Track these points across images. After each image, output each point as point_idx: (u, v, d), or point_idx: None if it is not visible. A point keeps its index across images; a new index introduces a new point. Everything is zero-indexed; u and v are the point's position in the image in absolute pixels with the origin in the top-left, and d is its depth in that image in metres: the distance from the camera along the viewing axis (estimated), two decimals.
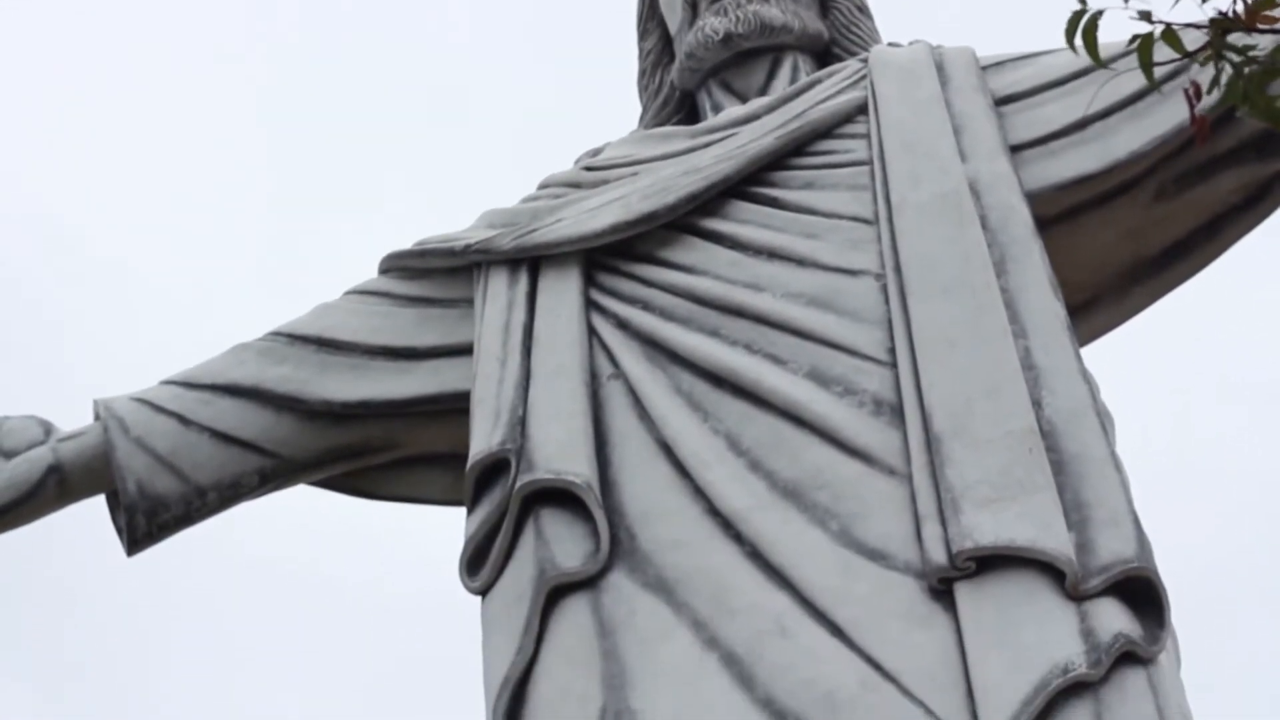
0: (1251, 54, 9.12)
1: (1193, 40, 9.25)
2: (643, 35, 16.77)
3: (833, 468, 12.85)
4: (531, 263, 14.74)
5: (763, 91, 15.56)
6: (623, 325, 14.13)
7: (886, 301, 13.48)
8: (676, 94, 16.25)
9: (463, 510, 13.88)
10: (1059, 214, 14.21)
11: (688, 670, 12.35)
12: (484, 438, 13.71)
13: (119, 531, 15.18)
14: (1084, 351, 13.56)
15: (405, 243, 15.60)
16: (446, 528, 14.67)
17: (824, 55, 16.03)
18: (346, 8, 38.75)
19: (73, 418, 15.34)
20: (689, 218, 14.54)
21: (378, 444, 15.27)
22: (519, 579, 13.09)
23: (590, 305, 14.33)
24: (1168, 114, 13.88)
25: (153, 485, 14.87)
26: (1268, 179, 14.52)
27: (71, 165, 38.37)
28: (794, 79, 15.60)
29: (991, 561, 12.14)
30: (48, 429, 15.13)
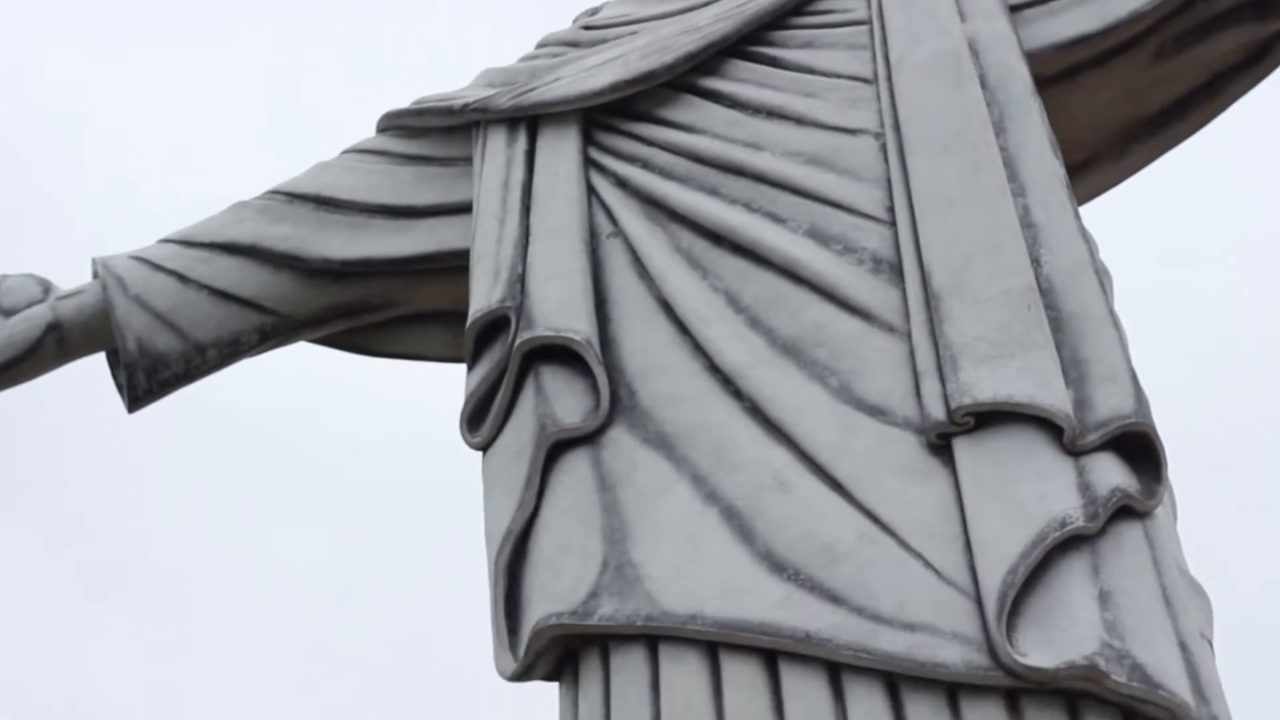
0: None
1: None
2: None
3: (832, 325, 12.90)
4: (530, 122, 14.73)
5: None
6: (621, 184, 14.14)
7: (885, 160, 13.50)
8: None
9: (463, 367, 13.95)
10: (1058, 73, 14.20)
11: (688, 524, 12.45)
12: (483, 295, 13.76)
13: (119, 389, 15.25)
14: (1083, 210, 13.60)
15: (404, 103, 15.57)
16: (447, 384, 14.75)
17: None
18: None
19: (70, 278, 15.38)
20: (688, 77, 14.53)
21: (377, 302, 15.31)
22: (519, 435, 13.18)
23: (589, 164, 14.34)
24: None
25: (152, 343, 14.93)
26: (1267, 38, 14.50)
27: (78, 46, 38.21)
28: None
29: (990, 417, 12.22)
30: (46, 287, 15.16)
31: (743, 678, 12.01)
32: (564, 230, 13.90)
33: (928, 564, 11.89)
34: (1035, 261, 12.75)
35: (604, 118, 14.56)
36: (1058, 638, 11.57)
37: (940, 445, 12.29)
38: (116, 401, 15.34)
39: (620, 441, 12.97)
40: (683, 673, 12.14)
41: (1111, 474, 12.09)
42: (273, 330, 15.25)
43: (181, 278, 15.05)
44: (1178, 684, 11.64)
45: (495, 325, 13.65)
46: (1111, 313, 12.72)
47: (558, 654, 12.78)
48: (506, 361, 13.42)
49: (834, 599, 11.91)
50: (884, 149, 13.55)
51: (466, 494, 13.77)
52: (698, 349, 13.13)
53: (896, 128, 13.53)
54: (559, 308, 13.43)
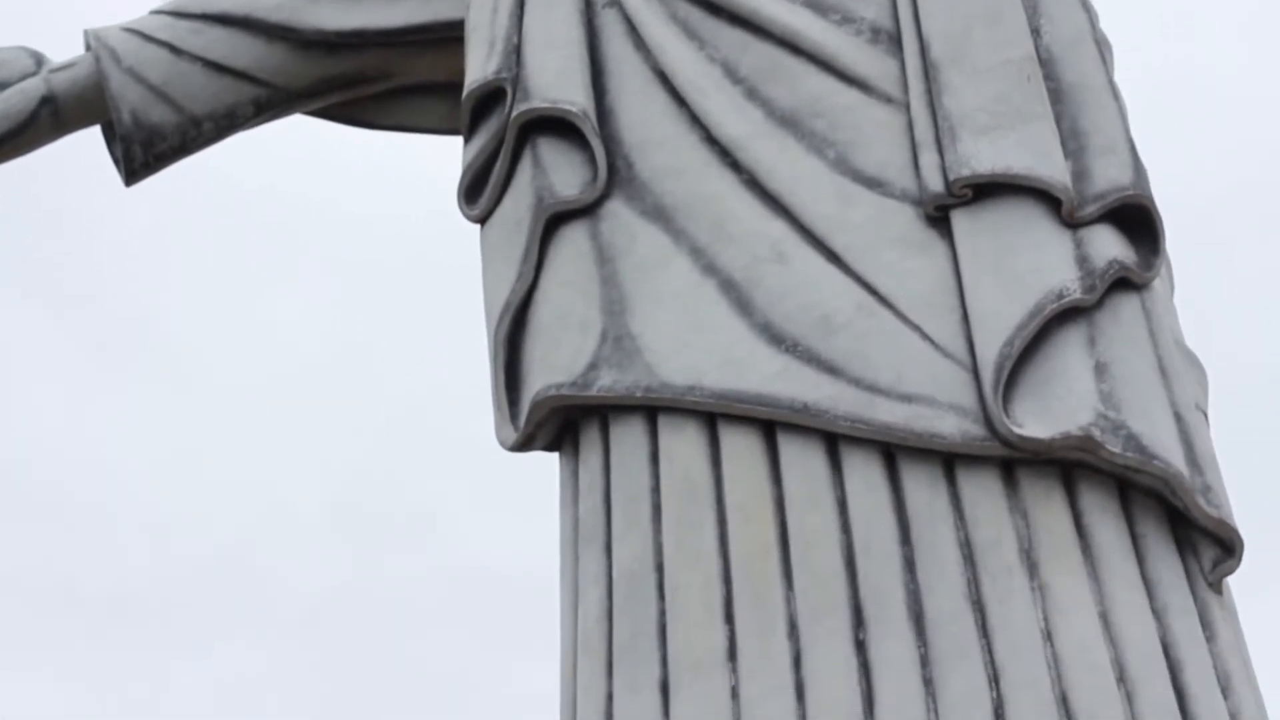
0: None
1: None
2: None
3: (830, 96, 12.81)
4: None
5: None
6: None
7: None
8: None
9: (460, 139, 13.87)
10: None
11: (686, 296, 12.46)
12: (479, 67, 13.64)
13: (116, 163, 15.19)
14: None
15: None
16: (449, 157, 14.68)
17: None
18: None
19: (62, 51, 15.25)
20: None
21: (372, 73, 15.18)
22: (518, 206, 13.15)
23: None
24: None
25: (147, 116, 14.83)
26: None
27: None
28: None
29: (988, 189, 12.20)
30: (39, 59, 15.03)
31: (741, 448, 12.09)
32: (559, 0, 13.74)
33: (925, 335, 11.93)
34: (1035, 31, 12.65)
35: None
36: (1054, 408, 11.64)
37: (938, 217, 12.27)
38: (115, 177, 15.28)
39: (619, 214, 12.94)
40: (681, 443, 12.22)
41: (1109, 246, 12.09)
42: (268, 102, 15.14)
43: (174, 49, 14.91)
44: (1172, 454, 11.73)
45: (492, 97, 13.54)
46: (1111, 83, 12.64)
47: (557, 425, 12.87)
48: (503, 133, 13.34)
49: (832, 370, 11.95)
50: None
51: (468, 268, 13.78)
52: (695, 120, 13.04)
53: None
54: (555, 79, 13.32)
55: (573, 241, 12.95)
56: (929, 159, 12.33)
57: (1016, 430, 11.52)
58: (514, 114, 13.28)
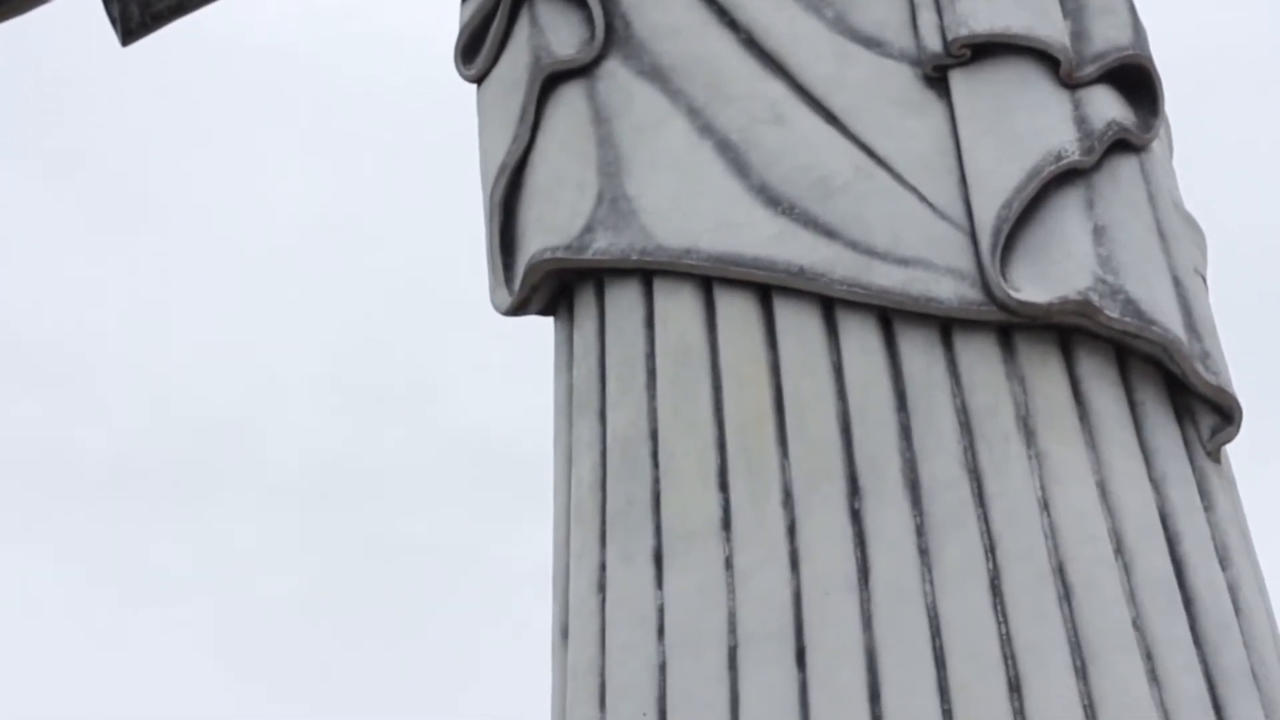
0: None
1: None
2: None
3: None
4: None
5: None
6: None
7: None
8: None
9: None
10: None
11: (683, 157, 12.37)
12: None
13: (112, 22, 15.08)
14: None
15: None
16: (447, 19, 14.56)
17: None
18: None
19: None
20: None
21: None
22: (514, 66, 13.05)
23: None
24: None
25: None
26: None
27: None
28: None
29: (986, 49, 12.09)
30: None
31: (736, 313, 12.04)
32: None
33: (922, 198, 11.85)
34: None
35: None
36: (1051, 273, 11.57)
37: (936, 78, 12.16)
38: (112, 38, 15.20)
39: (616, 74, 12.84)
40: (677, 307, 12.18)
41: (1108, 107, 12.00)
42: None
43: None
44: (1170, 319, 11.67)
45: None
46: None
47: (553, 289, 12.82)
48: None
49: (829, 233, 11.88)
50: None
51: (465, 132, 13.71)
52: None
53: None
54: None
55: (569, 102, 12.85)
56: (927, 18, 12.22)
57: (1014, 295, 11.46)
58: None
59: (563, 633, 12.20)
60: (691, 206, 12.21)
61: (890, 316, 11.77)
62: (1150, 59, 12.12)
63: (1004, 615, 11.05)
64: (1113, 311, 11.51)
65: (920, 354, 11.66)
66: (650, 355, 12.20)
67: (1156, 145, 12.29)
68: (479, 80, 13.37)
